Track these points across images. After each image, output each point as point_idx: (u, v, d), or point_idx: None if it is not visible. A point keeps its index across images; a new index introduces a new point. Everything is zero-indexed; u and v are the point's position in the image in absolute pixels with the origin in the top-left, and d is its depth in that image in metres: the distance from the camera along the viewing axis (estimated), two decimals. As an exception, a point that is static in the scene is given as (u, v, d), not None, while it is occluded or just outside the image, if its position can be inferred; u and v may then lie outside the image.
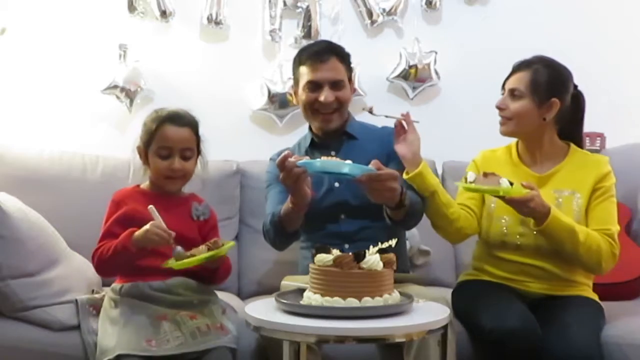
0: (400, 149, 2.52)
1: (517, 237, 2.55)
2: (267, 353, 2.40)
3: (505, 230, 2.56)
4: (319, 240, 2.49)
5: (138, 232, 2.30)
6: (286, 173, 2.33)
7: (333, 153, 2.62)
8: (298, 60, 2.67)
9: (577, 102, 2.64)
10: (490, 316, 2.37)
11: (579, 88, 2.66)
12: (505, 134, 2.61)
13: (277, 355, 2.21)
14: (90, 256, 2.41)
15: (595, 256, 2.47)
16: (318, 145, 2.70)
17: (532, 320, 2.38)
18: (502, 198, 2.39)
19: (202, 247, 2.30)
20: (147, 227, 2.29)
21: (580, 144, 2.68)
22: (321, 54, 2.62)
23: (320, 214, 2.57)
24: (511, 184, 2.36)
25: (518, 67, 2.60)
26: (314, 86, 2.61)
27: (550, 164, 2.61)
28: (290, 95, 3.32)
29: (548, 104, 2.55)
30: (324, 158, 2.33)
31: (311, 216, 2.51)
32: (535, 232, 2.49)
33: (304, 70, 2.63)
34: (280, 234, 2.54)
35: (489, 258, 2.62)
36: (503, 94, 2.61)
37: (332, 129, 2.66)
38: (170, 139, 2.45)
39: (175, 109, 2.51)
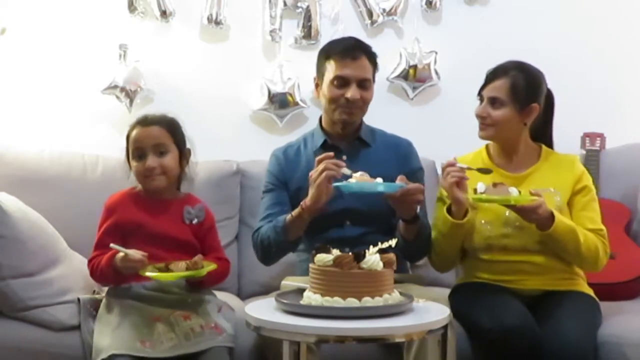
0: (461, 194, 2.47)
1: (502, 238, 2.56)
2: (265, 352, 2.40)
3: (490, 234, 2.57)
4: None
5: (116, 259, 2.32)
6: (319, 172, 2.37)
7: (345, 157, 2.61)
8: (326, 54, 2.65)
9: (548, 102, 2.67)
10: (488, 315, 2.38)
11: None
12: (485, 138, 2.63)
13: (275, 354, 2.22)
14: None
15: (593, 255, 2.52)
16: (329, 147, 2.64)
17: (530, 318, 2.39)
18: (512, 207, 2.43)
19: (182, 264, 2.30)
20: (117, 263, 2.31)
21: (550, 144, 2.71)
22: (352, 50, 2.62)
23: (325, 219, 2.54)
24: (519, 192, 2.40)
25: (494, 75, 2.60)
26: (342, 82, 2.60)
27: (525, 166, 2.64)
28: (289, 94, 3.33)
29: (528, 109, 2.58)
30: (355, 176, 2.34)
31: (316, 220, 2.50)
32: (519, 231, 2.52)
33: (331, 64, 2.61)
34: (280, 241, 2.52)
35: (478, 263, 2.63)
36: (480, 101, 2.61)
37: (351, 123, 2.65)
38: (139, 139, 2.46)
39: (149, 112, 2.54)
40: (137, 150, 2.46)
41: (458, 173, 2.45)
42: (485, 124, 2.59)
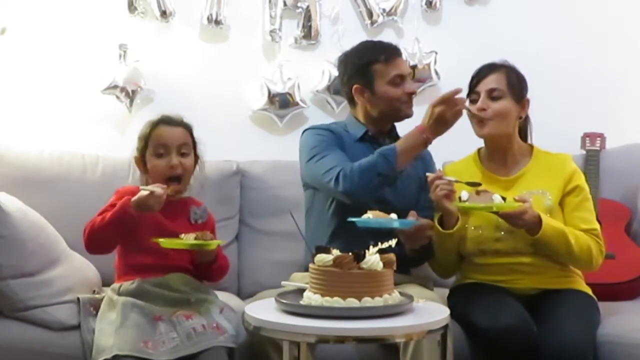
0: (451, 205, 2.48)
1: (494, 242, 2.57)
2: (258, 352, 2.39)
3: (482, 239, 2.58)
4: (347, 233, 2.48)
5: (137, 196, 2.32)
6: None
7: None
8: (365, 61, 2.69)
9: None
10: (485, 315, 2.39)
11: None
12: (485, 134, 2.63)
13: (266, 354, 2.26)
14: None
15: (587, 255, 2.52)
16: (369, 138, 2.73)
17: (526, 317, 2.40)
18: (496, 213, 2.45)
19: (191, 235, 2.33)
20: (148, 191, 2.30)
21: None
22: (396, 49, 2.75)
23: (360, 210, 2.48)
24: (503, 198, 2.40)
25: (488, 71, 2.64)
26: (400, 80, 2.69)
27: (517, 167, 2.65)
28: (289, 94, 3.33)
29: (522, 102, 2.63)
30: (371, 212, 2.36)
31: (351, 209, 2.49)
32: (510, 234, 2.53)
33: (382, 67, 2.68)
34: (390, 169, 2.52)
35: (472, 267, 2.64)
36: (474, 99, 2.63)
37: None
38: (166, 137, 2.48)
39: (169, 113, 2.54)
40: (160, 148, 2.47)
41: (447, 186, 2.46)
42: (486, 117, 2.59)
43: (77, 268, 2.67)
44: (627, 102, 3.50)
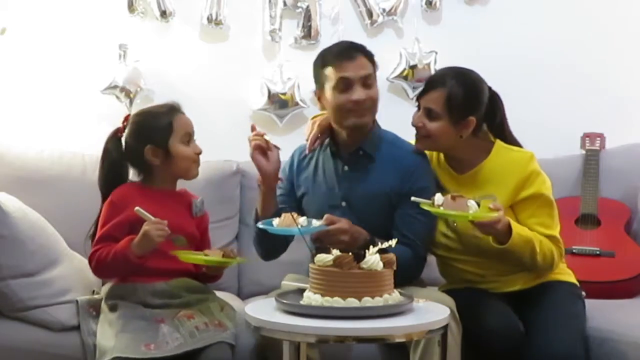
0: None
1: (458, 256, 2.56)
2: (266, 352, 2.40)
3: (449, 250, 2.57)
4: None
5: (136, 239, 2.30)
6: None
7: (346, 168, 2.55)
8: (321, 63, 2.53)
9: (494, 103, 2.56)
10: (470, 318, 2.36)
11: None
12: (422, 149, 2.55)
13: (276, 355, 2.22)
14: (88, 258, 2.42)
15: (549, 261, 2.46)
16: (335, 154, 2.59)
17: (512, 319, 2.39)
18: (470, 221, 2.33)
19: (217, 251, 2.33)
20: (144, 229, 2.28)
21: (511, 142, 2.60)
22: (348, 51, 2.51)
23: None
24: (478, 204, 2.28)
25: (432, 85, 2.51)
26: (345, 85, 2.47)
27: (471, 165, 2.55)
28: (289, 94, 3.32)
29: (464, 122, 2.48)
30: (277, 220, 2.34)
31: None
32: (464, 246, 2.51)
33: (330, 71, 2.49)
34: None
35: (450, 270, 2.64)
36: (417, 107, 2.54)
37: (363, 125, 2.52)
38: (189, 125, 2.51)
39: (167, 101, 2.55)
40: (187, 136, 2.49)
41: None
42: (421, 134, 2.52)
43: (77, 268, 2.67)
44: (627, 102, 3.50)
